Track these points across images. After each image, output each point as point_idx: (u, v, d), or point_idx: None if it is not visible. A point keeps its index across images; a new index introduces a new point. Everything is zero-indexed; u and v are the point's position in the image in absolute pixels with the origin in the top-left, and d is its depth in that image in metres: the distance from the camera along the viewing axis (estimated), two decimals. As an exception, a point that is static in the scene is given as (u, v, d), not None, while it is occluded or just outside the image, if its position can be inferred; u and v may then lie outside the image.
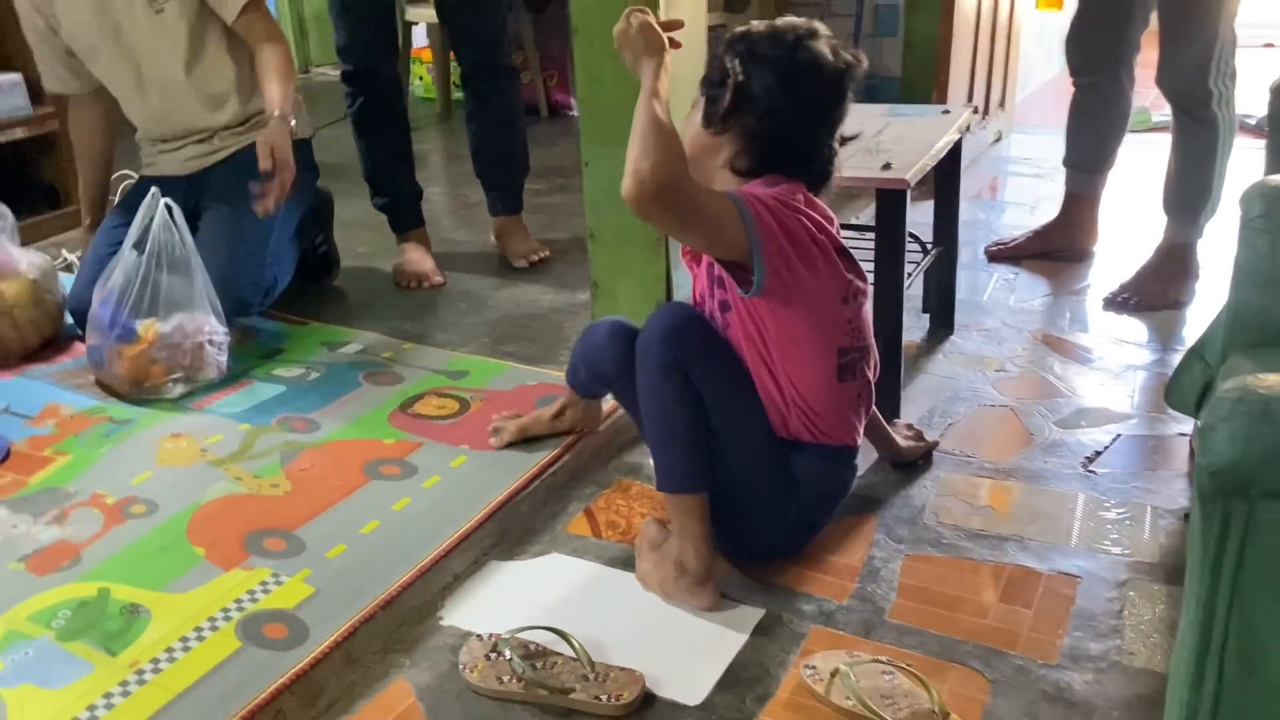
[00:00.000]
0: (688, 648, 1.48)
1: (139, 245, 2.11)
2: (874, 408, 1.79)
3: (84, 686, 1.38)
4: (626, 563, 1.65)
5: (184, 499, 1.77)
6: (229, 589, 1.55)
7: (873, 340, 1.64)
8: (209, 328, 2.15)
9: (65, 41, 2.38)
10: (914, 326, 2.40)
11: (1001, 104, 3.81)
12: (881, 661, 1.40)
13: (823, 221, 1.54)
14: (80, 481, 1.84)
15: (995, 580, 1.58)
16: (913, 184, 1.84)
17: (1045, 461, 1.89)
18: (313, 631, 1.47)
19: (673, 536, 1.58)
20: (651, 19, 1.52)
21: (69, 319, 2.42)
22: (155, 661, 1.41)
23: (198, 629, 1.47)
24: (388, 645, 1.50)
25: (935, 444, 1.93)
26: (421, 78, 4.58)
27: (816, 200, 1.57)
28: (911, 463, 1.88)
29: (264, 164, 2.12)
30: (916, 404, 2.09)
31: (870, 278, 1.93)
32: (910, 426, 1.95)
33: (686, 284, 2.08)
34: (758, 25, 1.56)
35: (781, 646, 1.47)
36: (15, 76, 3.04)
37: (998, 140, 3.83)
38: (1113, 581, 1.57)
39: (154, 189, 2.12)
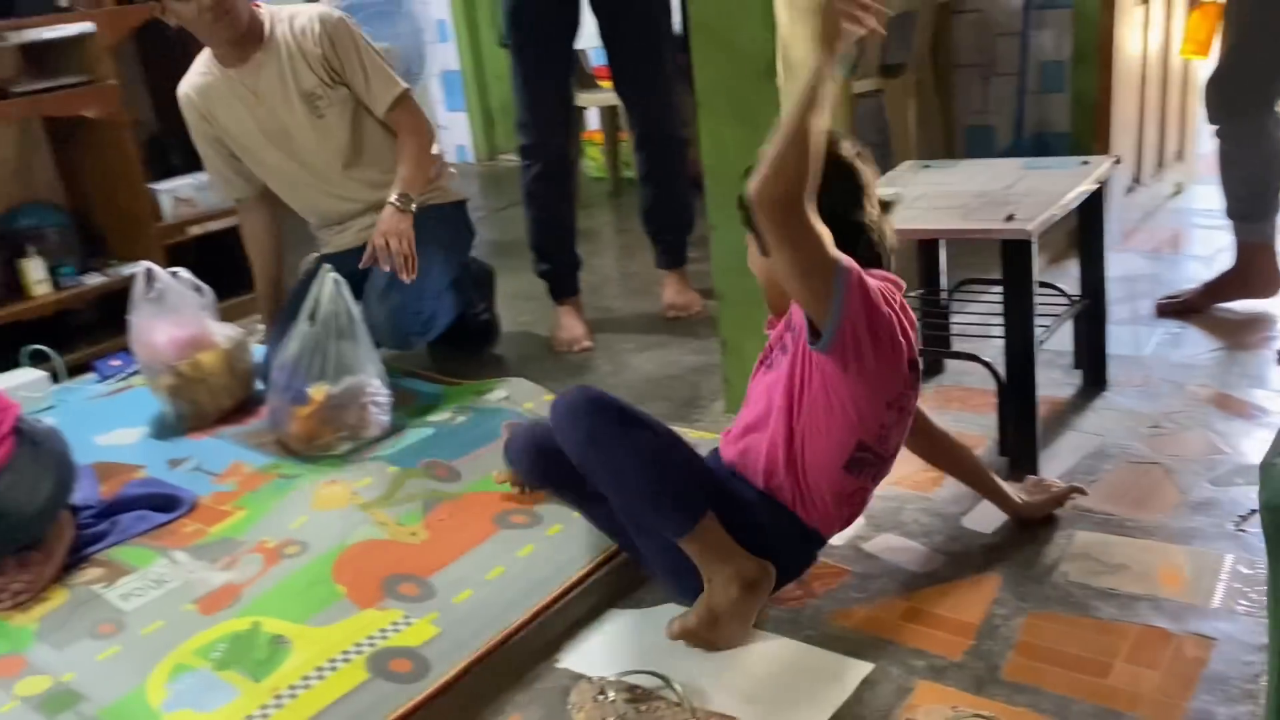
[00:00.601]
0: (790, 699, 1.48)
1: (311, 317, 2.32)
2: (981, 467, 1.84)
3: (231, 710, 1.52)
4: (740, 614, 1.67)
5: (332, 540, 1.92)
6: (363, 626, 1.66)
7: (894, 456, 1.65)
8: (372, 389, 2.33)
9: (231, 147, 2.64)
10: (1064, 383, 2.33)
11: (1180, 155, 3.64)
12: (983, 716, 1.36)
13: (908, 327, 1.56)
14: (251, 532, 2.02)
15: (1122, 640, 1.51)
16: (1035, 235, 1.81)
17: (1193, 520, 1.79)
18: (434, 667, 1.56)
19: (712, 581, 1.58)
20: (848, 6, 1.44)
21: (260, 385, 2.66)
22: (292, 688, 1.54)
23: (332, 660, 1.59)
24: (505, 683, 1.57)
25: (1066, 492, 1.84)
26: (594, 159, 4.80)
27: (909, 309, 1.60)
28: (1040, 519, 1.82)
29: (365, 261, 2.39)
30: (1059, 460, 2.02)
31: (999, 331, 1.92)
32: (1039, 483, 1.88)
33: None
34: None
35: (885, 700, 1.45)
36: (225, 173, 3.40)
37: (1177, 193, 3.65)
38: (1253, 645, 1.47)
39: (324, 265, 2.34)
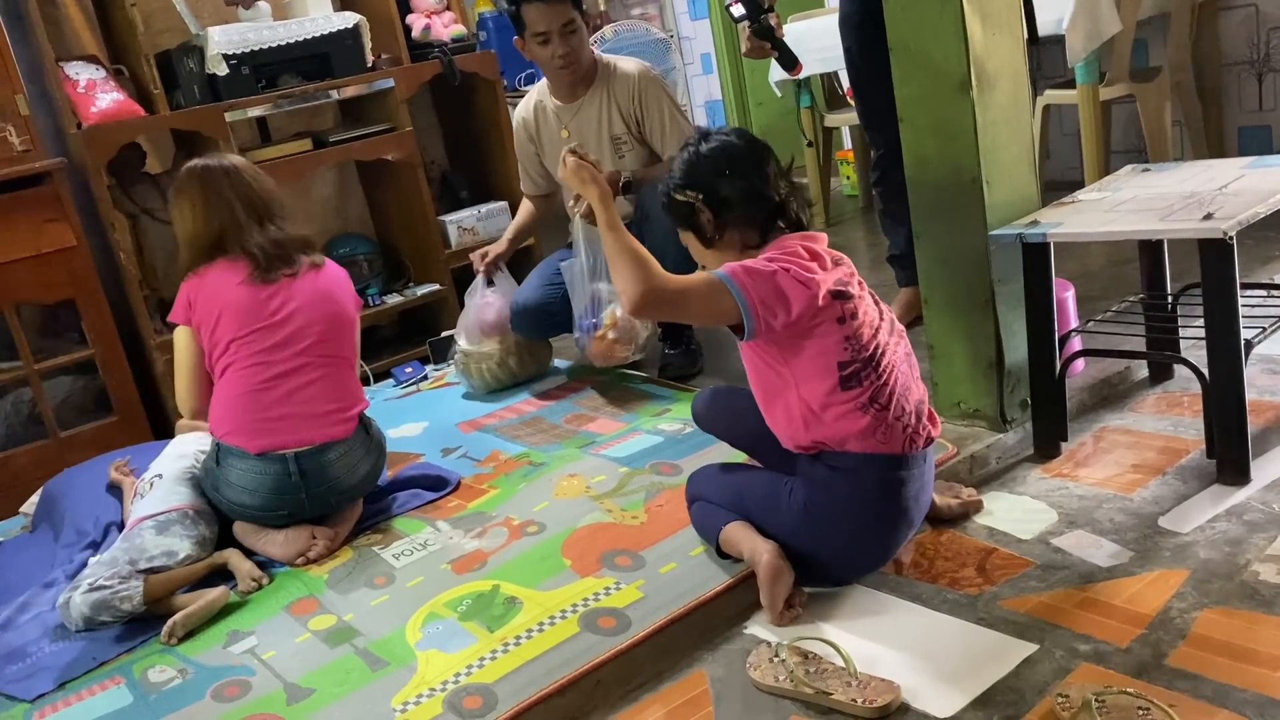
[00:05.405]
0: (949, 670, 1.58)
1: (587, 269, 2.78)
2: None
3: (468, 653, 1.80)
4: (920, 598, 1.78)
5: (565, 523, 2.19)
6: (580, 590, 1.92)
7: (880, 349, 1.76)
8: None
9: (542, 158, 3.09)
10: (1301, 388, 2.24)
11: None
12: (1130, 694, 1.41)
13: (811, 265, 1.73)
14: (501, 508, 2.34)
15: (1302, 637, 1.50)
16: (1230, 235, 1.79)
17: None
18: (634, 624, 1.78)
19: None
20: (577, 159, 1.90)
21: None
22: (518, 638, 1.81)
23: (551, 617, 1.85)
24: (695, 642, 1.77)
25: (970, 503, 2.02)
26: (849, 177, 4.92)
27: (818, 249, 1.78)
28: (949, 520, 2.00)
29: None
30: (1276, 466, 1.96)
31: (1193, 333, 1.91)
32: (950, 486, 2.06)
33: (1018, 348, 2.17)
34: (674, 161, 1.88)
35: (1043, 678, 1.52)
36: (503, 204, 3.83)
37: None
38: None
39: (577, 222, 2.74)
